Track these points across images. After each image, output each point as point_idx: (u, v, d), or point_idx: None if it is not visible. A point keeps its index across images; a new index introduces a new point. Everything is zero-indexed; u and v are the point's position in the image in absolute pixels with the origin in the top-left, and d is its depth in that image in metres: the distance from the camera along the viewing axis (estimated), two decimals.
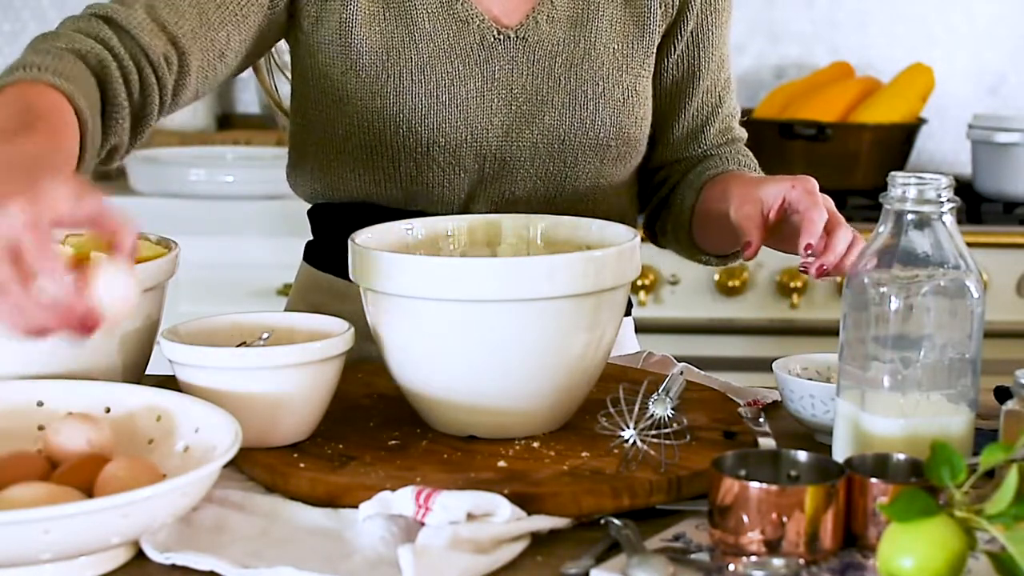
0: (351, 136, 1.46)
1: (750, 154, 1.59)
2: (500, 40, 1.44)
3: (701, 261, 1.58)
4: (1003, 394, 1.23)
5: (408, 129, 1.43)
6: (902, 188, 1.09)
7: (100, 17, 1.29)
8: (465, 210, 1.48)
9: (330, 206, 1.55)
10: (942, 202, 1.08)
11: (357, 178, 1.48)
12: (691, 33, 1.53)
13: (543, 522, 1.05)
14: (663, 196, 1.60)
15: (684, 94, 1.56)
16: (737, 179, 1.44)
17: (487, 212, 1.48)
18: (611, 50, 1.48)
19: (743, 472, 1.02)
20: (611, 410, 1.15)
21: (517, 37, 1.45)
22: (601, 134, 1.47)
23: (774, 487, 0.98)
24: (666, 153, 1.59)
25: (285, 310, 1.62)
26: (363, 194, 1.49)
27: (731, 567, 0.96)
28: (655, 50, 1.51)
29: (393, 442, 1.20)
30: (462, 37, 1.44)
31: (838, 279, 1.51)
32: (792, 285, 2.61)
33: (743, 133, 1.62)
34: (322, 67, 1.46)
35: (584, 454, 1.17)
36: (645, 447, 1.13)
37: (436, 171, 1.45)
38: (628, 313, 1.66)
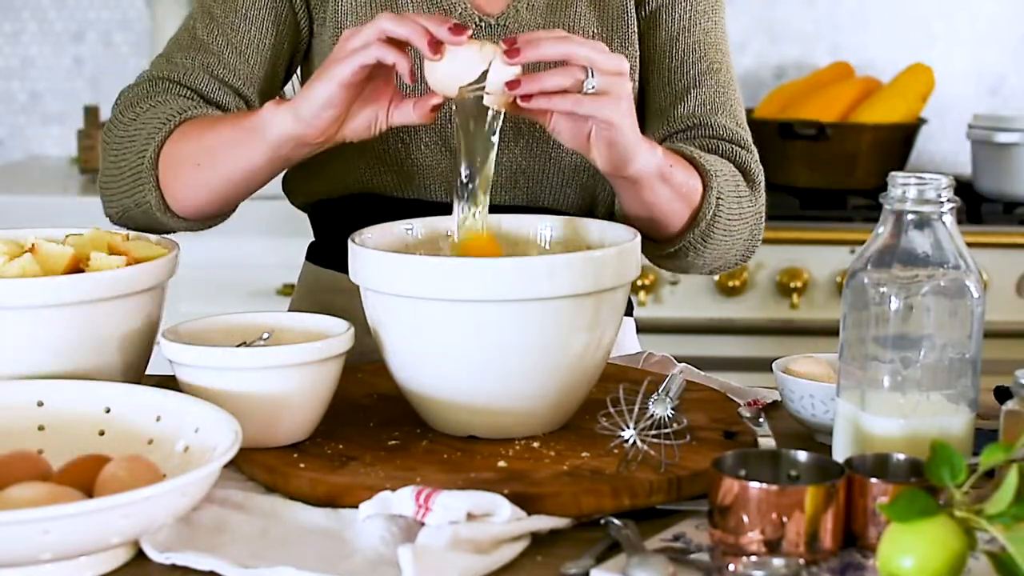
0: None
1: (729, 157, 1.48)
2: (482, 28, 1.48)
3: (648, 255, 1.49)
4: (1003, 394, 1.23)
5: None
6: (902, 188, 1.09)
7: (171, 80, 1.46)
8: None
9: (330, 202, 1.56)
10: (942, 202, 1.08)
11: (352, 167, 1.50)
12: (653, 12, 1.53)
13: (543, 522, 1.05)
14: None
15: (645, 71, 1.54)
16: None
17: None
18: (590, 33, 1.50)
19: (743, 472, 1.03)
20: (611, 410, 1.15)
21: (499, 25, 1.48)
22: None
23: (774, 487, 0.98)
24: None
25: (289, 310, 1.63)
26: (359, 184, 1.51)
27: (731, 567, 0.96)
28: (636, 30, 1.52)
29: (393, 442, 1.20)
30: None
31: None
32: (792, 285, 2.61)
33: (728, 131, 1.51)
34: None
35: (584, 454, 1.16)
36: (645, 447, 1.13)
37: (423, 150, 1.48)
38: (629, 313, 1.66)
